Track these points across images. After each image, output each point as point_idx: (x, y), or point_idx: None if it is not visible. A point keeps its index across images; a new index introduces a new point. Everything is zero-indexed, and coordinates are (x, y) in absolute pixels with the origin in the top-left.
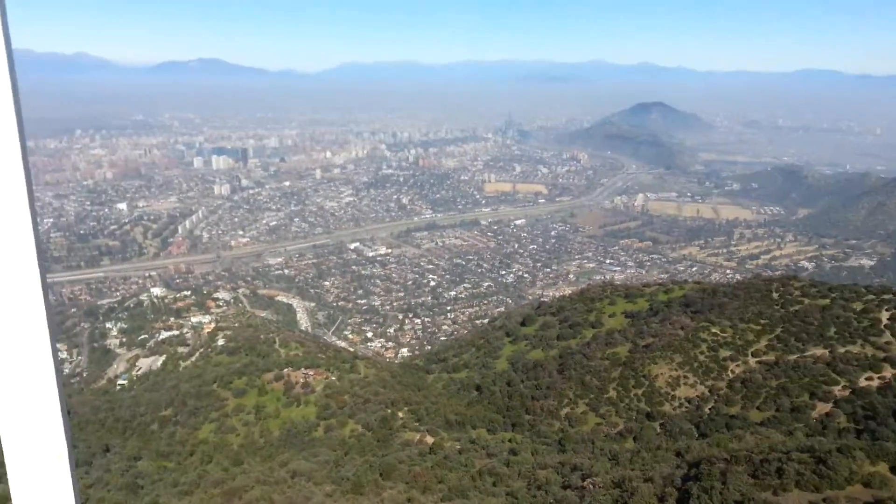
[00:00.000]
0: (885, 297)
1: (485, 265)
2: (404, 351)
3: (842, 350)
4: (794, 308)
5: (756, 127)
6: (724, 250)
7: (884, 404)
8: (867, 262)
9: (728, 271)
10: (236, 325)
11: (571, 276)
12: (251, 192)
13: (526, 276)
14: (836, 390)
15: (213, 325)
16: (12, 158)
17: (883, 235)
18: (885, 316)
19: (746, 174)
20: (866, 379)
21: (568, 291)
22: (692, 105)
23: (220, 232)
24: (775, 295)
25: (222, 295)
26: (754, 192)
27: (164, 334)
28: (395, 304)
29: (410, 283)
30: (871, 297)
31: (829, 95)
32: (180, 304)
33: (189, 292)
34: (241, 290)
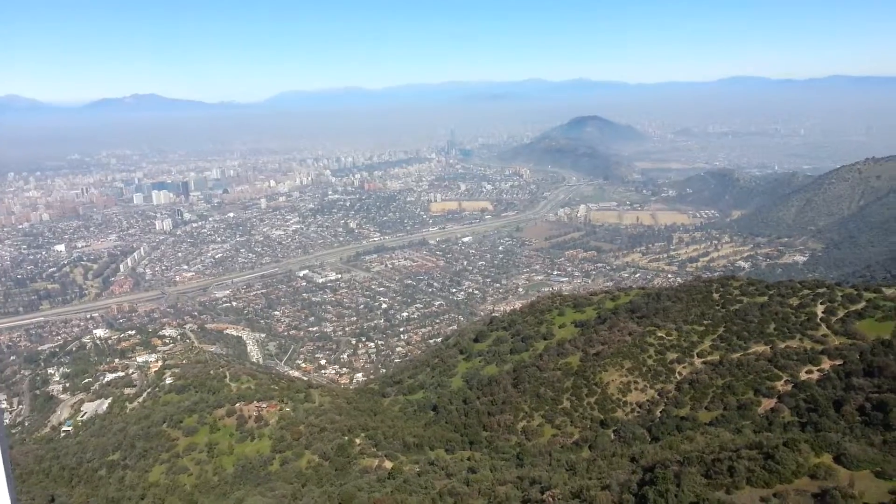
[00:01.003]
0: (819, 290)
1: (435, 284)
2: (359, 376)
3: (782, 345)
4: (734, 307)
5: (688, 134)
6: (665, 255)
7: (824, 396)
8: (800, 259)
9: (670, 275)
10: (184, 361)
11: (521, 289)
12: (194, 225)
13: (476, 292)
14: (779, 385)
15: (160, 363)
16: None
17: (813, 231)
18: (820, 309)
19: (681, 180)
20: (807, 372)
21: (518, 305)
22: (627, 117)
23: (163, 268)
24: (716, 295)
25: (169, 332)
26: (689, 197)
27: (110, 376)
28: (347, 329)
29: (362, 306)
30: (806, 291)
31: (755, 101)
32: (125, 344)
33: (134, 331)
34: (188, 326)
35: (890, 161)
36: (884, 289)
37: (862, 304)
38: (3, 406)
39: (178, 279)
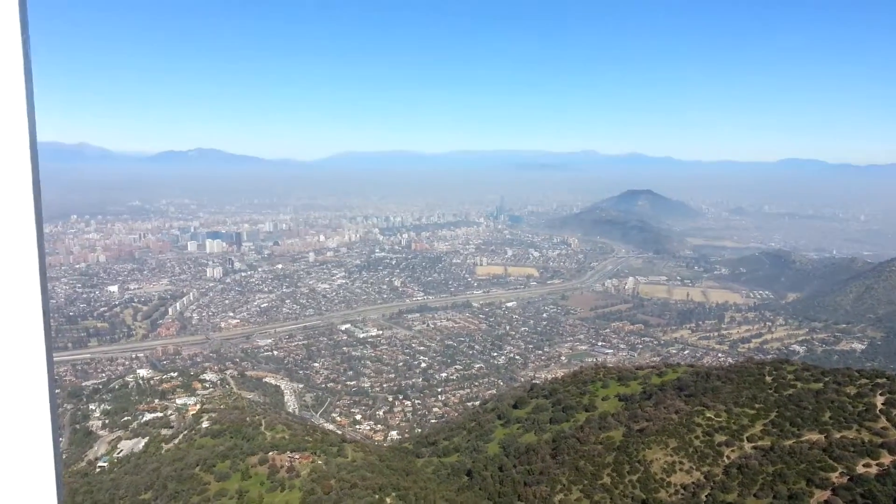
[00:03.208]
0: (879, 380)
1: (476, 347)
2: (394, 434)
3: (838, 435)
4: (787, 392)
5: (742, 213)
6: (716, 333)
7: (883, 492)
8: (858, 346)
9: (720, 354)
10: (222, 406)
11: (563, 358)
12: (243, 274)
13: (517, 357)
14: (834, 477)
15: (198, 406)
16: (22, 168)
17: (872, 319)
18: (879, 400)
19: (734, 259)
20: (864, 465)
21: (560, 374)
22: (680, 192)
23: (210, 313)
24: (768, 379)
25: (209, 376)
26: (743, 276)
27: (148, 416)
28: (385, 385)
29: (401, 364)
30: (864, 381)
31: (813, 184)
32: (166, 385)
33: (176, 374)
34: (228, 372)
35: None
36: None
37: None
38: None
39: (223, 325)
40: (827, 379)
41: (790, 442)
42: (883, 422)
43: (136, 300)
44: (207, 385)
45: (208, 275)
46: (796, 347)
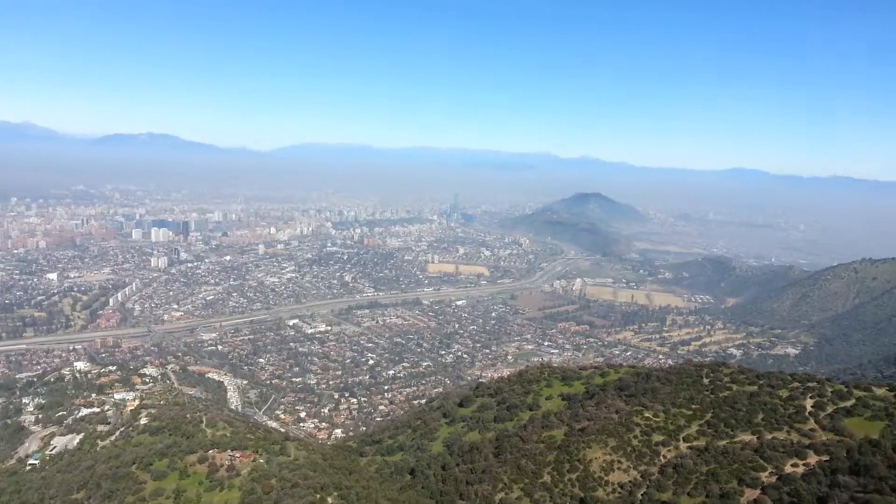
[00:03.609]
0: (810, 384)
1: (425, 345)
2: (338, 432)
3: (769, 436)
4: (723, 394)
5: (688, 220)
6: (657, 335)
7: (808, 491)
8: (792, 351)
9: (661, 356)
10: (162, 402)
11: (510, 357)
12: (190, 265)
13: (465, 356)
14: (764, 476)
15: (136, 402)
16: None
17: (806, 325)
18: (809, 403)
19: (678, 263)
20: (792, 465)
21: (506, 373)
22: (629, 197)
23: (153, 305)
24: (706, 381)
25: (149, 371)
26: (686, 280)
27: (84, 411)
28: (331, 382)
29: (349, 361)
30: (796, 384)
31: (757, 193)
32: (104, 379)
33: (114, 367)
34: (170, 366)
35: (886, 263)
36: (874, 388)
37: (851, 402)
38: None
39: (166, 318)
40: (761, 382)
41: (724, 442)
42: (811, 424)
43: (75, 289)
44: (147, 380)
45: (153, 264)
46: (733, 351)
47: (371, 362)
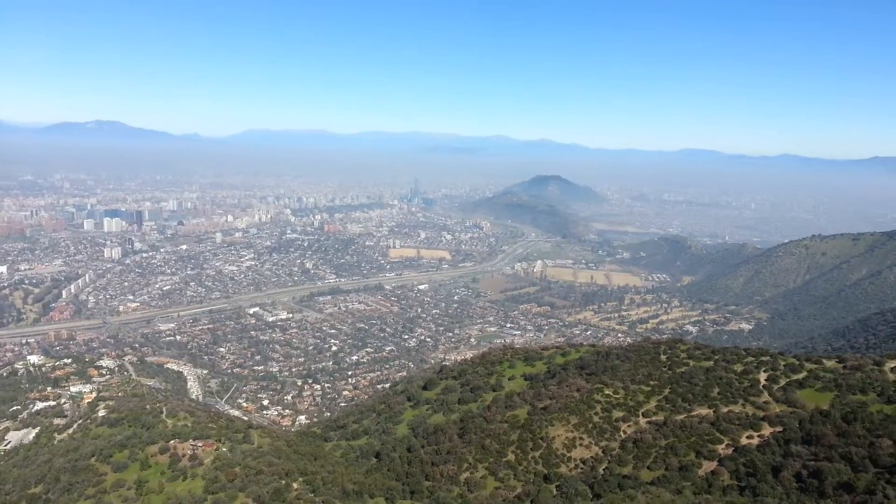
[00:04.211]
0: (763, 358)
1: (388, 329)
2: (302, 418)
3: (725, 409)
4: (680, 370)
5: (644, 200)
6: (617, 315)
7: (763, 461)
8: (746, 326)
9: (620, 335)
10: (120, 394)
11: (473, 339)
12: (144, 255)
13: (428, 340)
14: (720, 448)
15: (94, 394)
16: None
17: (759, 301)
18: (763, 377)
19: (636, 243)
20: (747, 437)
21: (469, 355)
22: (587, 179)
23: (108, 296)
24: (663, 357)
25: (106, 363)
26: (643, 260)
27: (40, 405)
28: (294, 369)
29: (311, 347)
30: (750, 359)
31: (709, 173)
32: (59, 372)
33: (70, 360)
34: (127, 358)
35: (835, 239)
36: (824, 360)
37: (803, 374)
38: None
39: (121, 309)
40: (716, 357)
41: (682, 416)
42: (765, 396)
43: (26, 282)
44: (104, 372)
45: (106, 255)
46: (690, 328)
47: (334, 348)
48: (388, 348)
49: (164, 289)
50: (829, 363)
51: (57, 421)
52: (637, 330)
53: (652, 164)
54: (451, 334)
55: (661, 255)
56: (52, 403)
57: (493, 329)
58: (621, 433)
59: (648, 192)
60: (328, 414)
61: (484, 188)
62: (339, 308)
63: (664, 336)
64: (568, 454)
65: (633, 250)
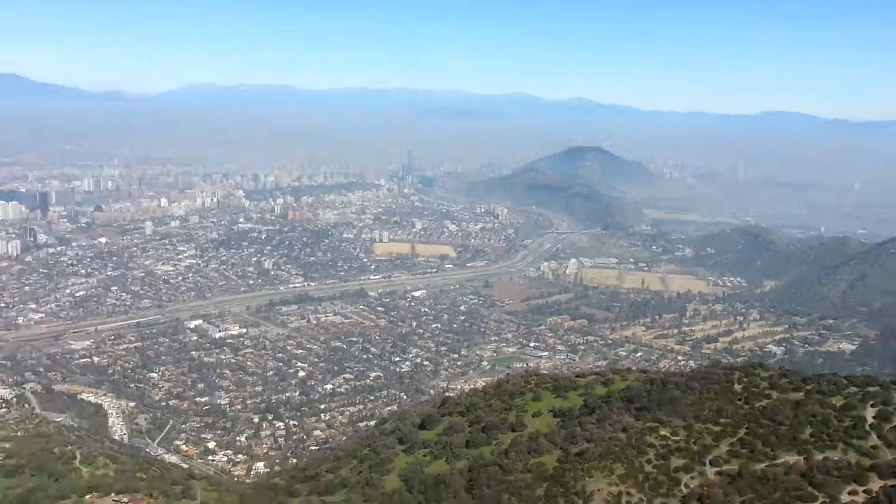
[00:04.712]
0: (870, 389)
1: (373, 350)
2: (260, 466)
3: (819, 457)
4: (760, 404)
5: (712, 179)
6: (676, 330)
7: None
8: (848, 347)
9: (680, 357)
10: (19, 434)
11: (485, 363)
12: (52, 250)
13: (426, 363)
14: None
15: None
16: None
17: (865, 314)
18: (870, 413)
19: (701, 237)
20: (850, 493)
21: (481, 383)
22: (636, 151)
23: (2, 305)
24: (738, 387)
25: (1, 392)
26: (710, 258)
27: None
28: (248, 402)
29: (271, 373)
30: (853, 389)
31: (800, 143)
32: None
33: None
34: (28, 386)
35: None
36: None
37: None
38: None
39: (21, 322)
40: (809, 387)
41: (762, 465)
42: (873, 439)
43: None
44: None
45: (0, 251)
46: (773, 348)
47: (302, 374)
48: (374, 374)
49: (78, 295)
50: None
51: None
52: (703, 351)
53: (723, 132)
54: (456, 356)
55: (734, 252)
56: None
57: (511, 349)
58: (682, 487)
59: (718, 169)
60: (294, 461)
61: (500, 163)
62: (309, 321)
63: (739, 359)
64: None
65: (697, 246)
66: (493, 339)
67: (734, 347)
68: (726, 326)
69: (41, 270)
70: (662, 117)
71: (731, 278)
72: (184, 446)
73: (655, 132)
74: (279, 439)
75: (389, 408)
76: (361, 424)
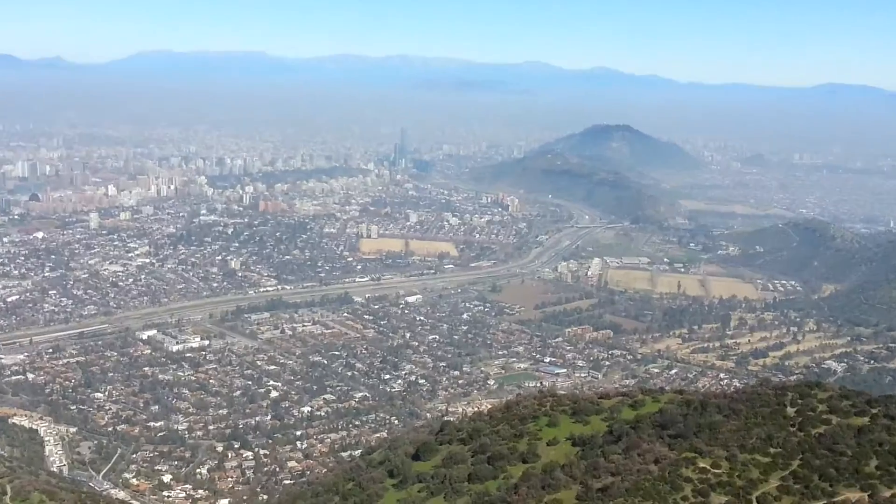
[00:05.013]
0: None
1: (359, 366)
2: (224, 503)
3: (887, 493)
4: (817, 430)
5: (762, 164)
6: (717, 343)
7: None
8: None
9: (723, 375)
10: None
11: (492, 381)
12: None
13: (422, 382)
14: None
15: None
16: None
17: None
18: None
19: (748, 232)
20: None
21: (487, 406)
22: (671, 130)
23: None
24: (791, 411)
25: None
26: (759, 258)
27: None
28: (211, 427)
29: (239, 393)
30: None
31: (864, 121)
32: None
33: None
34: None
35: None
36: None
37: None
38: None
39: None
40: (874, 411)
41: (821, 503)
42: None
43: None
44: None
45: None
46: (832, 364)
47: (274, 395)
48: (360, 395)
49: (9, 300)
50: None
51: None
52: (750, 368)
53: (774, 108)
54: (457, 373)
55: (787, 250)
56: None
57: (523, 365)
58: None
59: (769, 152)
60: (264, 497)
61: (510, 145)
62: (283, 331)
63: (792, 377)
64: None
65: (744, 243)
66: (501, 353)
67: (787, 363)
68: (777, 339)
69: None
70: (703, 90)
71: (784, 281)
72: (134, 480)
73: (694, 108)
74: (247, 472)
75: (378, 434)
76: (345, 454)
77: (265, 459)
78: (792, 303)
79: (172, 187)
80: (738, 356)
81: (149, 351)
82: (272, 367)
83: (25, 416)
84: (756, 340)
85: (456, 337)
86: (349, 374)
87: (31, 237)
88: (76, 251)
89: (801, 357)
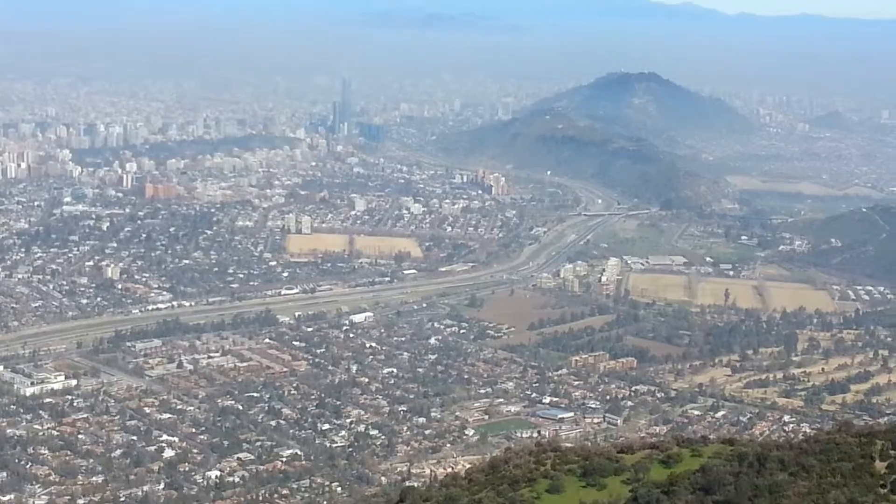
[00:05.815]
0: None
1: (286, 412)
2: None
3: None
4: None
5: (838, 126)
6: (780, 374)
7: None
8: None
9: (787, 417)
10: None
11: (471, 432)
12: None
13: (374, 433)
14: None
15: None
16: None
17: None
18: None
19: (820, 221)
20: None
21: (464, 465)
22: (714, 80)
23: None
24: (881, 466)
25: None
26: (836, 255)
27: None
28: (80, 501)
29: (119, 453)
30: None
31: None
32: None
33: None
34: None
35: None
36: None
37: None
38: None
39: None
40: None
41: None
42: None
43: None
44: None
45: None
46: None
47: (169, 454)
48: (288, 452)
49: None
50: None
51: None
52: (824, 407)
53: (853, 48)
54: (422, 420)
55: (874, 244)
56: None
57: (513, 408)
58: None
59: (847, 110)
60: None
61: (493, 103)
62: (181, 365)
63: (883, 419)
64: None
65: (815, 235)
66: (482, 391)
67: (874, 400)
68: (862, 366)
69: None
70: (756, 24)
71: (870, 287)
72: None
73: (746, 49)
74: None
75: None
76: None
77: None
78: (881, 317)
79: (23, 165)
80: (809, 391)
81: None
82: (166, 415)
83: None
84: (832, 369)
85: (420, 370)
86: (273, 423)
87: None
88: None
89: (892, 391)
